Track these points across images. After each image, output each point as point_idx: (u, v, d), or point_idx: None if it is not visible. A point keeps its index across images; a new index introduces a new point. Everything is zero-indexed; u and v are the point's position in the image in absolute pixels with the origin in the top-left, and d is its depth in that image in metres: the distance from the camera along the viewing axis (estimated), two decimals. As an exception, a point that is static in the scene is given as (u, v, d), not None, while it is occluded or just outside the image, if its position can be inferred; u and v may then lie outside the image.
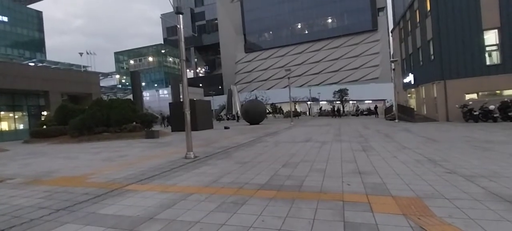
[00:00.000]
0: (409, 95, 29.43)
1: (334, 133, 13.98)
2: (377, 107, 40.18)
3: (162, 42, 77.81)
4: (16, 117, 25.72)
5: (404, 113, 23.90)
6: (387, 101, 44.74)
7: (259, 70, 69.41)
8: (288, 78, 30.21)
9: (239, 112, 42.34)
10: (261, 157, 7.34)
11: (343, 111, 47.65)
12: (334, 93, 48.85)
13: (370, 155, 6.80)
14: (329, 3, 62.68)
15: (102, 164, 7.33)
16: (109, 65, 71.02)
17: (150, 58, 64.45)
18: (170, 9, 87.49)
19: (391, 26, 55.01)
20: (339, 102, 48.76)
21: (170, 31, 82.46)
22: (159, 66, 64.05)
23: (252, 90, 55.60)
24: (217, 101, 46.43)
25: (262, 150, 8.68)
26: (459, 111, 17.79)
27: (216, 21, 76.19)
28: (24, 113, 25.96)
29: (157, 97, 49.94)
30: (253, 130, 19.38)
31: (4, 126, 24.88)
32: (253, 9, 69.66)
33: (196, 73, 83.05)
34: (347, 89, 48.28)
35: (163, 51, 65.63)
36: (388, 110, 33.15)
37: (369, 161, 5.94)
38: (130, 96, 28.97)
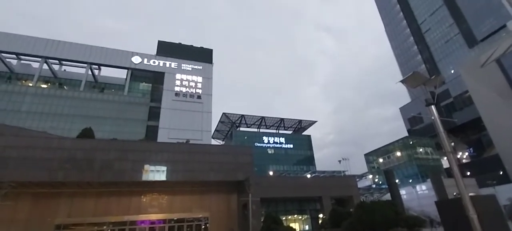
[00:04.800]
0: None
1: None
2: None
3: (407, 135, 75.03)
4: (302, 219, 33.82)
5: None
6: None
7: None
8: None
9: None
10: None
11: None
12: None
13: None
14: None
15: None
16: (360, 167, 77.23)
17: (398, 153, 62.96)
18: (405, 101, 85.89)
19: None
20: None
21: (411, 121, 78.87)
22: (409, 160, 60.35)
23: None
24: (504, 193, 33.60)
25: None
26: None
27: (466, 94, 63.41)
28: (307, 216, 33.51)
29: (415, 195, 45.30)
30: None
31: (295, 226, 33.11)
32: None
33: (458, 160, 68.15)
34: None
35: (410, 143, 62.37)
36: None
37: None
38: (387, 196, 28.99)
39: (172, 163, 27.71)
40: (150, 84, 64.68)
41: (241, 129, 69.20)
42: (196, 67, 72.62)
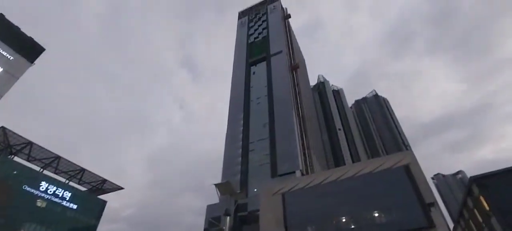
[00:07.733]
0: None
1: None
2: None
3: (203, 233, 77.34)
4: None
5: None
6: None
7: (304, 269, 59.44)
8: None
9: None
10: None
11: None
12: None
13: None
14: (374, 198, 59.98)
15: None
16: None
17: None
18: (215, 200, 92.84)
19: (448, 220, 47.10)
20: None
21: (211, 223, 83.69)
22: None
23: None
24: None
25: None
26: None
27: (257, 212, 76.16)
28: None
29: None
30: None
31: None
32: (294, 203, 69.55)
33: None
34: None
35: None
36: None
37: None
38: None
39: None
40: None
41: (16, 159, 49.30)
42: (4, 53, 52.97)
